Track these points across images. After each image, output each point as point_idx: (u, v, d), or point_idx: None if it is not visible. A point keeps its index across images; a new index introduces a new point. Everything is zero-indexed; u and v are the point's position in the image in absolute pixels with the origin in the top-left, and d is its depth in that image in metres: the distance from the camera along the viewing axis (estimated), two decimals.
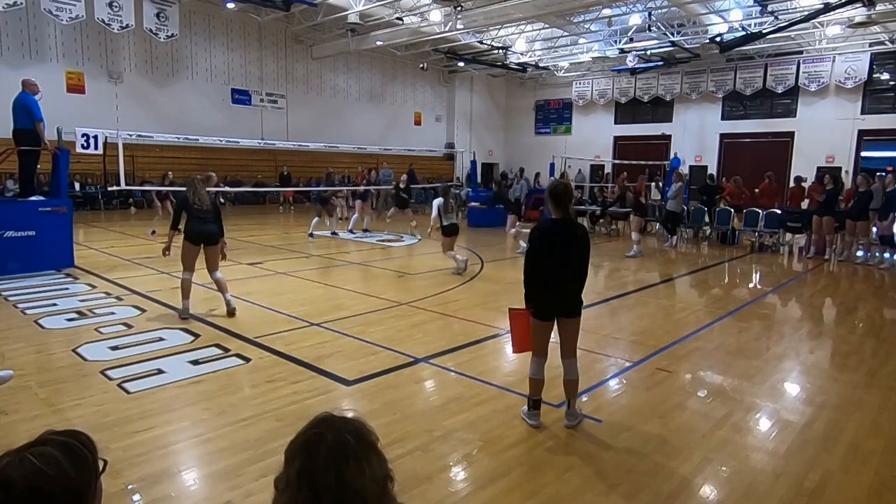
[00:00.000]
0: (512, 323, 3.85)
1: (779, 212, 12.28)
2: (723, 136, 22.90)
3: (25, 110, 7.98)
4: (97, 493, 1.11)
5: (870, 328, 6.60)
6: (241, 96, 20.28)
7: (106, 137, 9.67)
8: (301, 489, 1.05)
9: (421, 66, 13.96)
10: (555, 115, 27.92)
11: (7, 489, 0.92)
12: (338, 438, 1.09)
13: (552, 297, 3.65)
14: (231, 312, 6.03)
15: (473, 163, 17.88)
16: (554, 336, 3.73)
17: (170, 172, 13.66)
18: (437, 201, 8.86)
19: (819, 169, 19.98)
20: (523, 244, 10.80)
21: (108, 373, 4.35)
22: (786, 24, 15.43)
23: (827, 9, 14.07)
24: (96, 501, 1.11)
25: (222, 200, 12.89)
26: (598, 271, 9.87)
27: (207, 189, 6.35)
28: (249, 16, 19.17)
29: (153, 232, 11.65)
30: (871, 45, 19.03)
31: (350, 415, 1.18)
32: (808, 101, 20.82)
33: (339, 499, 1.04)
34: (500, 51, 21.26)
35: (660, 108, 24.33)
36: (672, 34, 18.41)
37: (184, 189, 6.50)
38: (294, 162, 20.65)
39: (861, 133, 20.05)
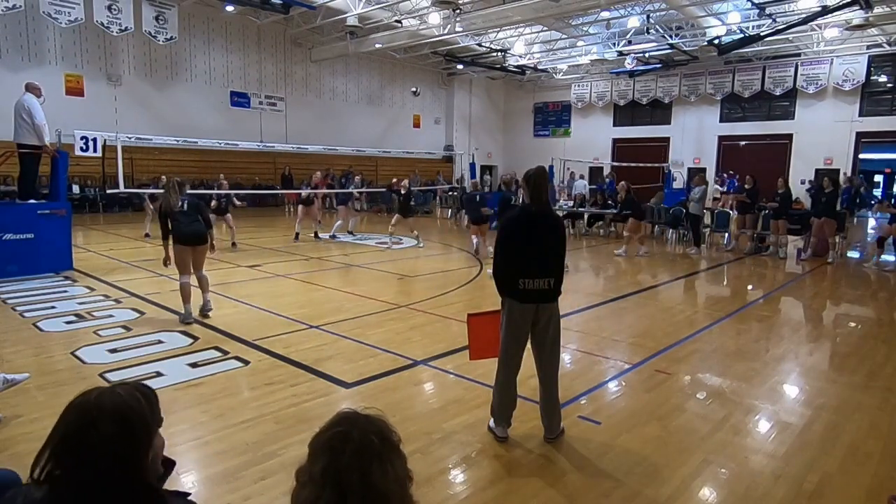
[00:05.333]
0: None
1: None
2: (721, 138, 22.96)
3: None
4: (160, 442, 1.32)
5: (869, 330, 6.60)
6: (240, 99, 20.31)
7: (105, 140, 9.68)
8: (325, 487, 1.07)
9: (413, 90, 13.43)
10: (553, 118, 27.99)
11: (102, 412, 1.19)
12: (363, 438, 1.11)
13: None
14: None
15: (472, 165, 17.90)
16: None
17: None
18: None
19: (817, 171, 20.06)
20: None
21: (107, 375, 4.34)
22: (784, 26, 15.48)
23: (824, 11, 14.12)
24: (158, 451, 1.31)
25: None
26: (597, 273, 9.89)
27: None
28: (248, 18, 19.20)
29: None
30: (868, 47, 19.12)
31: (373, 413, 1.19)
32: (806, 104, 20.88)
33: (364, 499, 1.06)
34: (499, 53, 21.32)
35: (658, 111, 24.40)
36: (670, 37, 18.48)
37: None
38: (293, 164, 20.70)
39: (859, 135, 20.11)
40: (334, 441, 1.10)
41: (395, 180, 12.77)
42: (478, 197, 11.23)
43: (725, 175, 20.38)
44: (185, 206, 5.95)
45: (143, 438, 1.24)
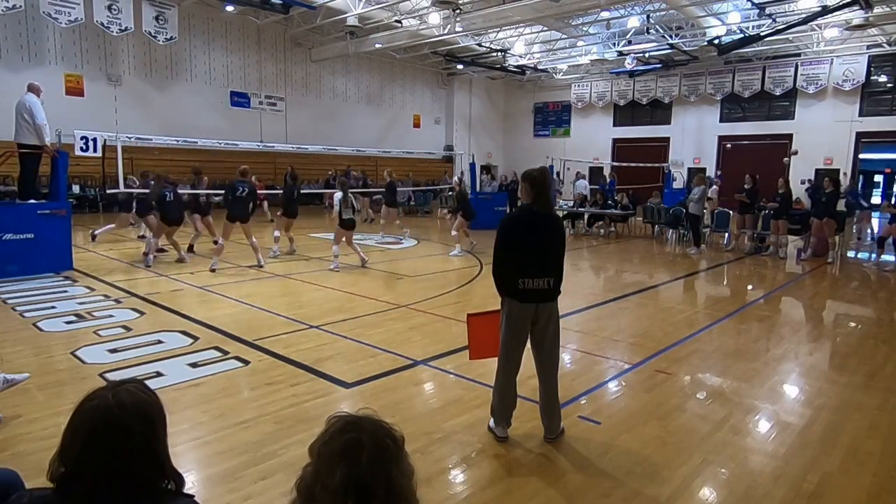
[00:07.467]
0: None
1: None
2: (721, 138, 22.95)
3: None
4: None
5: (868, 330, 6.60)
6: (240, 99, 20.29)
7: (105, 140, 9.68)
8: (347, 496, 1.06)
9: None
10: (553, 118, 27.98)
11: (123, 408, 1.28)
12: (378, 443, 1.11)
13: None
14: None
15: (473, 165, 17.87)
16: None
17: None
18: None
19: (817, 171, 20.05)
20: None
21: (107, 375, 4.34)
22: (784, 26, 15.47)
23: (824, 11, 14.11)
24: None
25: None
26: (598, 273, 9.90)
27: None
28: (248, 18, 19.19)
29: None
30: (868, 47, 19.11)
31: (370, 414, 1.19)
32: (806, 104, 20.88)
33: (386, 502, 1.07)
34: (499, 53, 21.31)
35: (658, 111, 24.40)
36: (670, 37, 18.47)
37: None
38: (293, 164, 20.68)
39: (859, 135, 20.11)
40: (348, 449, 1.10)
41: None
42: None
43: (714, 176, 20.34)
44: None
45: (162, 429, 1.36)
